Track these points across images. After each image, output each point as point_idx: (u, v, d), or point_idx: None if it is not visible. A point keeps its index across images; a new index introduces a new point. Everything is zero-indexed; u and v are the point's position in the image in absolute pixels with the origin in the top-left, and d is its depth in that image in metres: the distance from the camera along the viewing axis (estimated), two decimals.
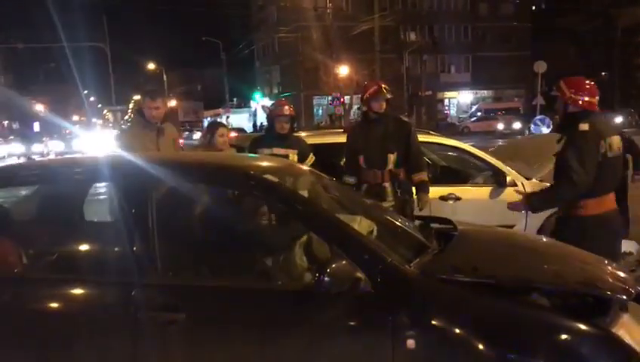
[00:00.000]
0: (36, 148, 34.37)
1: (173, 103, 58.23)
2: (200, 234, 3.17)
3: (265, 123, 6.01)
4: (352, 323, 2.43)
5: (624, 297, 2.47)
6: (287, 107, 4.99)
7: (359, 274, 2.42)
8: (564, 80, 3.89)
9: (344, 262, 2.41)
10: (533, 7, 55.93)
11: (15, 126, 58.66)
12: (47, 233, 3.05)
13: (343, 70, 36.66)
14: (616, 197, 7.47)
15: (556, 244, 3.30)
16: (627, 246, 6.63)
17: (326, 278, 2.36)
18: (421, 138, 6.56)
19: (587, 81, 3.92)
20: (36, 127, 52.80)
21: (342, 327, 2.43)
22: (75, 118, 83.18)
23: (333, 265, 2.38)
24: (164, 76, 55.31)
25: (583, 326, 2.36)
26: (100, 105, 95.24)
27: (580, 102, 3.71)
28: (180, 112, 57.00)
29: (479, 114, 42.26)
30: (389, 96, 4.68)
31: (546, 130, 14.27)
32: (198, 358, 2.50)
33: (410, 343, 2.34)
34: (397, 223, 3.19)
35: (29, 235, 3.04)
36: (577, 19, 50.24)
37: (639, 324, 2.57)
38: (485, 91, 51.79)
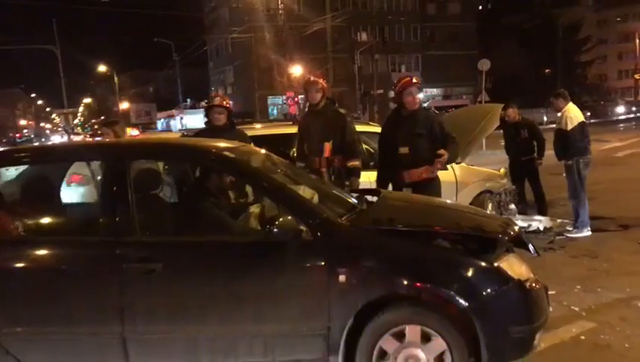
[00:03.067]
0: None
1: (124, 106, 57.64)
2: (172, 199, 3.77)
3: None
4: (296, 265, 3.08)
5: (504, 237, 3.20)
6: (219, 98, 5.41)
7: (301, 227, 3.07)
8: None
9: (289, 217, 3.06)
10: (480, 7, 57.95)
11: None
12: (41, 207, 3.60)
13: (297, 70, 37.30)
14: (529, 180, 8.47)
15: (456, 204, 4.08)
16: (546, 222, 7.55)
17: (275, 230, 3.01)
18: (362, 128, 7.31)
19: None
20: None
21: (289, 268, 3.08)
22: (23, 122, 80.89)
23: (281, 220, 3.03)
24: (115, 78, 54.71)
25: (474, 261, 3.09)
26: (48, 109, 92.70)
27: None
28: (132, 115, 56.41)
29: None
30: (323, 86, 5.29)
31: None
32: (174, 299, 3.10)
33: (342, 278, 3.01)
34: (333, 191, 3.89)
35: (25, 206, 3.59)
36: (521, 18, 52.41)
37: (520, 262, 3.31)
38: (435, 89, 53.35)
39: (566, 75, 49.53)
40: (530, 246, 3.47)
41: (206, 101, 5.73)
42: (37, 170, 3.82)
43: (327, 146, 5.11)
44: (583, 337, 4.07)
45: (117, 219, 3.19)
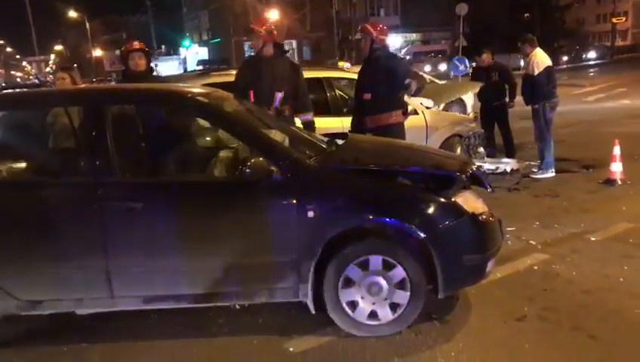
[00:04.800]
0: None
1: (98, 53, 56.24)
2: (150, 143, 3.94)
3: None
4: (268, 203, 3.31)
5: (461, 175, 3.46)
6: (137, 42, 5.26)
7: (272, 167, 3.27)
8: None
9: (260, 158, 3.26)
10: None
11: None
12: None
13: (273, 14, 36.62)
14: (498, 124, 8.73)
15: (418, 145, 4.36)
16: (513, 164, 7.87)
17: (247, 170, 3.21)
18: (334, 74, 7.44)
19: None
20: None
21: (261, 205, 3.31)
22: None
23: (252, 160, 3.23)
24: (87, 24, 53.12)
25: (432, 196, 3.35)
26: (18, 57, 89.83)
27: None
28: (106, 62, 55.11)
29: (408, 57, 43.48)
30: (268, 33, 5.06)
31: (462, 70, 15.38)
32: (153, 235, 3.32)
33: (310, 214, 3.25)
34: (303, 135, 4.09)
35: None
36: None
37: (475, 197, 3.58)
38: (414, 34, 52.87)
39: (544, 19, 49.35)
40: (486, 184, 3.74)
41: (122, 48, 5.46)
42: (18, 116, 3.94)
43: (279, 96, 4.99)
44: (536, 267, 4.42)
45: (97, 162, 3.36)
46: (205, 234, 3.32)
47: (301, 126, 5.10)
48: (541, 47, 7.48)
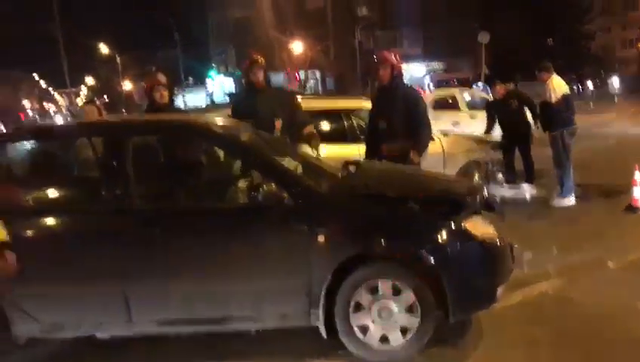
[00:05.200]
0: None
1: (127, 86, 57.80)
2: (167, 171, 4.10)
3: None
4: (279, 228, 3.41)
5: (471, 200, 3.52)
6: (161, 75, 5.44)
7: (284, 194, 3.38)
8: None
9: (272, 185, 3.38)
10: None
11: None
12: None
13: (297, 47, 37.31)
14: (519, 150, 8.65)
15: (429, 172, 4.44)
16: (532, 191, 7.85)
17: (259, 196, 3.33)
18: (352, 104, 7.58)
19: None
20: None
21: (273, 231, 3.42)
22: (27, 103, 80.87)
23: (265, 187, 3.35)
24: (117, 59, 54.74)
25: (441, 222, 3.41)
26: (51, 89, 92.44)
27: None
28: (136, 95, 56.52)
29: (431, 85, 43.62)
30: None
31: (484, 95, 15.38)
32: (169, 260, 3.44)
33: (321, 239, 3.34)
34: (315, 162, 4.21)
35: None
36: None
37: (485, 222, 3.62)
38: (437, 63, 53.16)
39: (568, 46, 49.15)
40: (497, 209, 3.79)
41: (144, 81, 5.68)
42: (45, 146, 4.16)
43: (278, 123, 5.14)
44: (550, 293, 4.41)
45: (118, 190, 3.52)
46: (218, 259, 3.43)
47: (322, 154, 5.23)
48: (565, 74, 7.51)
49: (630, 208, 6.77)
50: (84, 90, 79.85)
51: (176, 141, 4.11)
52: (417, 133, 5.22)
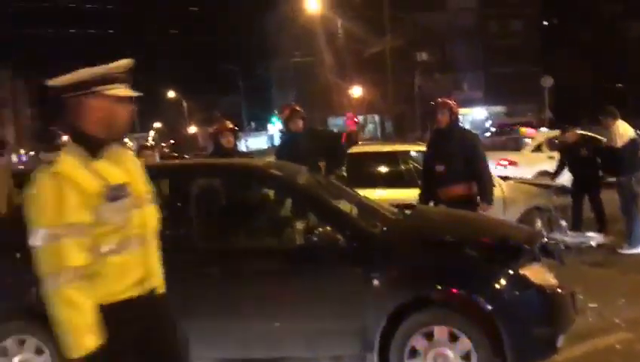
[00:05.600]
0: None
1: (192, 130, 60.13)
2: (228, 213, 4.25)
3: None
4: (334, 270, 3.46)
5: (529, 247, 3.45)
6: (228, 122, 5.85)
7: (339, 236, 3.44)
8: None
9: (328, 227, 3.44)
10: (544, 22, 56.64)
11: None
12: None
13: (356, 91, 37.87)
14: (589, 197, 8.26)
15: (487, 217, 4.38)
16: (599, 238, 7.55)
17: (315, 238, 3.40)
18: (410, 148, 7.62)
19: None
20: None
21: (328, 273, 3.46)
22: None
23: (320, 229, 3.42)
24: (184, 104, 57.18)
25: (499, 268, 3.37)
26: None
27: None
28: (200, 139, 58.58)
29: (493, 129, 42.92)
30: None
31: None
32: (227, 299, 3.54)
33: (375, 283, 3.36)
34: (371, 204, 4.25)
35: None
36: (588, 33, 51.00)
37: (544, 269, 3.53)
38: (498, 107, 52.45)
39: (637, 90, 47.61)
40: (557, 256, 3.69)
41: (212, 126, 6.19)
42: None
43: (322, 165, 5.52)
44: (618, 346, 4.19)
45: (180, 230, 3.68)
46: (276, 299, 3.49)
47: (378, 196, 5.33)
48: (634, 120, 7.31)
49: None
50: (151, 134, 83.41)
51: (237, 183, 4.28)
52: (482, 179, 5.21)
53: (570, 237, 7.49)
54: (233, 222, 3.97)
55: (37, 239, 1.88)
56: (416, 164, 7.03)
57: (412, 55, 46.99)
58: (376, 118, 45.34)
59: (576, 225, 8.02)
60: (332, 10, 34.69)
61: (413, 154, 7.25)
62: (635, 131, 7.71)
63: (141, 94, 2.17)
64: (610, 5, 51.77)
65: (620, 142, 7.10)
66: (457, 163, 5.27)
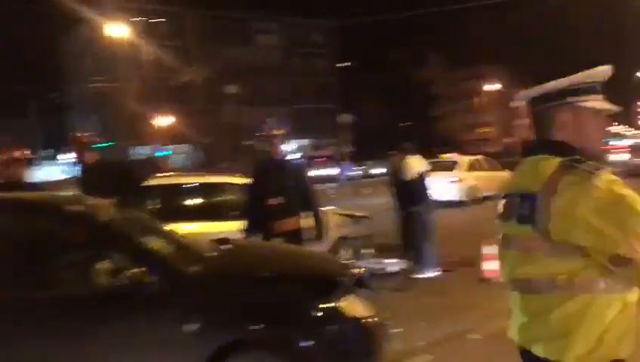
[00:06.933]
0: None
1: None
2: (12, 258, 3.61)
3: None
4: (147, 314, 3.14)
5: (344, 279, 3.50)
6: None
7: (152, 277, 3.13)
8: None
9: (139, 269, 3.11)
10: (346, 64, 60.90)
11: None
12: None
13: (165, 120, 36.79)
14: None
15: (302, 249, 4.46)
16: (401, 264, 8.06)
17: (121, 282, 3.05)
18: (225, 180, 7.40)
19: None
20: None
21: (140, 318, 3.14)
22: None
23: (131, 271, 3.08)
24: None
25: (315, 302, 3.34)
26: None
27: None
28: None
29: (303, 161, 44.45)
30: None
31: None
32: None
33: (190, 327, 3.10)
34: (184, 242, 3.99)
35: None
36: (380, 76, 56.55)
37: (359, 301, 3.61)
38: (306, 140, 54.86)
39: (422, 128, 53.74)
40: (369, 286, 3.81)
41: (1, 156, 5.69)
42: None
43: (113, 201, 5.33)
44: None
45: None
46: (82, 350, 3.06)
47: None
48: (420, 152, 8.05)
49: (483, 280, 7.17)
50: None
51: (27, 221, 3.67)
52: (315, 210, 5.20)
53: (373, 264, 7.93)
54: (22, 268, 3.40)
55: None
56: (231, 196, 6.89)
57: (221, 87, 47.09)
58: (187, 147, 44.39)
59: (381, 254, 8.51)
60: (139, 37, 33.42)
61: (228, 185, 7.09)
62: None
63: None
64: (399, 52, 58.15)
65: (409, 175, 7.78)
66: (293, 195, 5.19)
